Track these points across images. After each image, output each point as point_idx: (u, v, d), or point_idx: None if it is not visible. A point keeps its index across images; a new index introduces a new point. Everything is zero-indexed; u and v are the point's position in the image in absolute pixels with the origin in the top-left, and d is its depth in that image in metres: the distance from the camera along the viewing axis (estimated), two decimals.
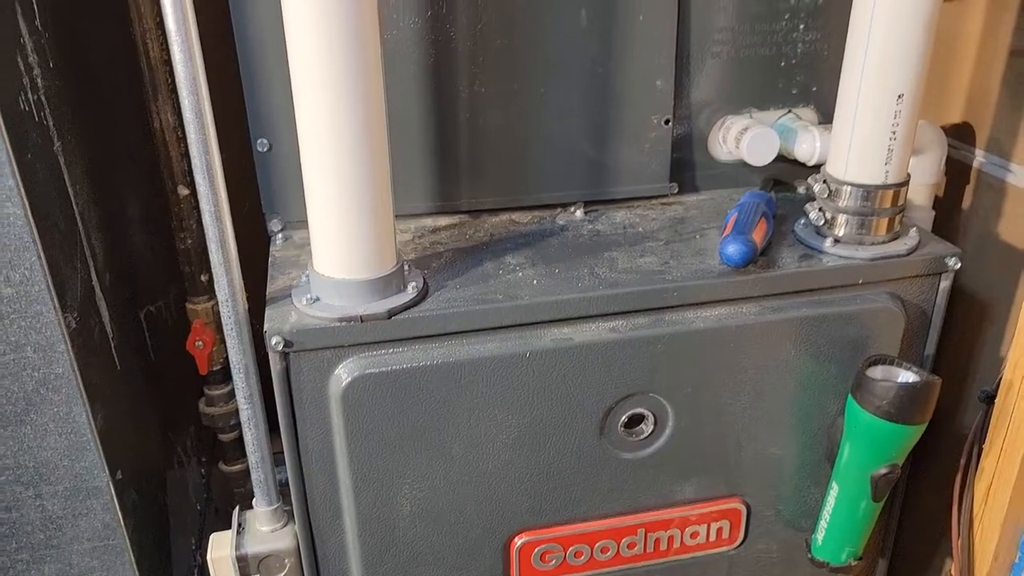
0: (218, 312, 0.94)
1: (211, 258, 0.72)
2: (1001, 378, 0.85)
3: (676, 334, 0.81)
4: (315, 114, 0.68)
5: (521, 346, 0.78)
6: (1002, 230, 0.97)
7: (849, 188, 0.83)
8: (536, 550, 0.88)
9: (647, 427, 0.85)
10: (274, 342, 0.73)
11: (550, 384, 0.80)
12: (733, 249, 0.79)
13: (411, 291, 0.77)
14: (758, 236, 0.82)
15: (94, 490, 0.82)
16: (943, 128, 0.98)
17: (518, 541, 0.87)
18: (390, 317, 0.75)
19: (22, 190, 0.68)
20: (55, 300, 0.74)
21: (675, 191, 0.99)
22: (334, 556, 0.85)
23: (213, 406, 0.98)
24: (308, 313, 0.75)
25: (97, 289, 0.85)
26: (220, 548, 0.83)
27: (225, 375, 0.98)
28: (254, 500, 0.85)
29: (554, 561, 0.89)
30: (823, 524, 0.91)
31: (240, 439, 1.02)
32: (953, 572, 0.92)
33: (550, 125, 0.91)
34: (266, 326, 0.74)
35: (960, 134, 1.01)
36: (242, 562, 0.82)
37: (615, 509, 0.88)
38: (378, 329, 0.75)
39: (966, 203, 1.02)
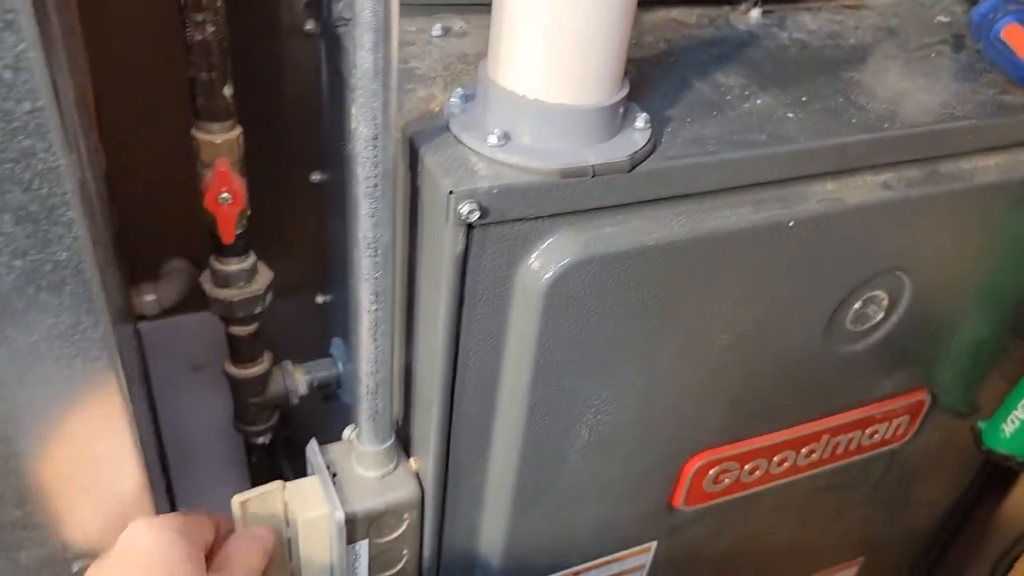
0: (243, 149, 0.61)
1: (358, 56, 0.40)
2: None
3: (956, 191, 0.59)
4: None
5: (783, 211, 0.53)
6: None
7: None
8: (712, 471, 0.67)
9: (876, 313, 0.64)
10: (465, 209, 0.43)
11: (803, 262, 0.56)
12: None
13: (641, 127, 0.49)
14: None
15: None
16: None
17: (695, 464, 0.66)
18: (632, 169, 0.47)
19: None
20: None
21: None
22: (465, 505, 0.60)
23: (228, 287, 0.66)
24: (504, 161, 0.45)
25: None
26: (310, 505, 0.56)
27: (247, 245, 0.66)
28: (355, 434, 0.57)
29: (727, 480, 0.69)
30: (1017, 415, 0.77)
31: (257, 335, 0.72)
32: None
33: None
34: (444, 180, 0.44)
35: None
36: (350, 524, 0.55)
37: (810, 415, 0.69)
38: (612, 188, 0.47)
39: None
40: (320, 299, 0.77)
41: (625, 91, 0.47)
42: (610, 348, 0.53)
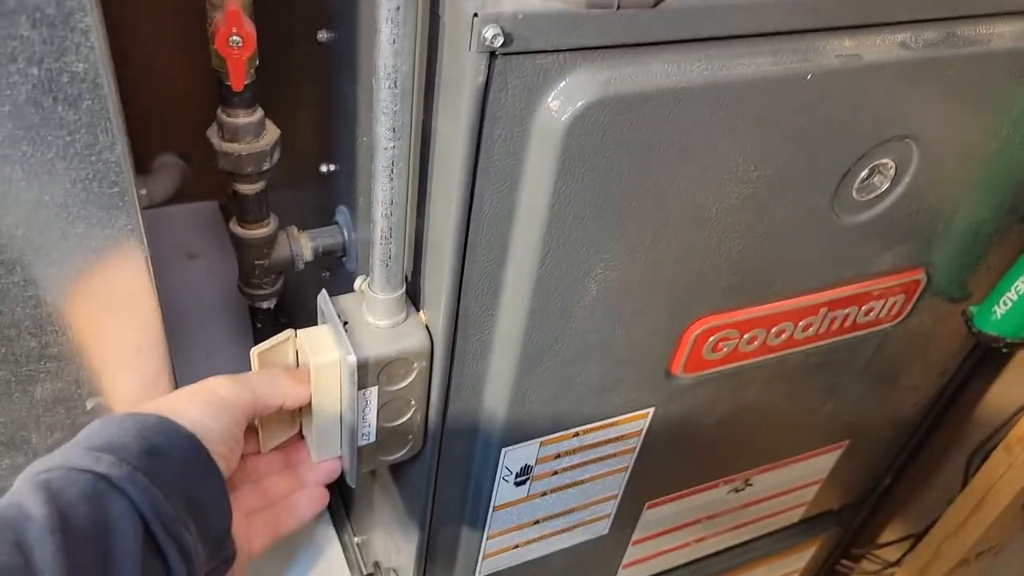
0: None
1: None
2: None
3: (971, 56, 0.59)
4: None
5: (800, 63, 0.53)
6: None
7: None
8: (712, 338, 0.68)
9: (882, 183, 0.65)
10: (489, 34, 0.43)
11: (816, 120, 0.57)
12: None
13: None
14: None
15: None
16: None
17: (696, 329, 0.67)
18: (656, 4, 0.47)
19: None
20: None
21: None
22: (472, 358, 0.61)
23: (236, 141, 0.66)
24: None
25: None
26: (322, 350, 0.57)
27: (254, 97, 0.65)
28: (367, 284, 0.58)
29: (725, 349, 0.70)
30: (1009, 297, 0.79)
31: (263, 194, 0.71)
32: None
33: None
34: (468, 3, 0.43)
35: None
36: (361, 369, 0.56)
37: (809, 286, 0.70)
38: (635, 23, 0.47)
39: None
40: (325, 168, 0.76)
41: None
42: (624, 198, 0.54)
